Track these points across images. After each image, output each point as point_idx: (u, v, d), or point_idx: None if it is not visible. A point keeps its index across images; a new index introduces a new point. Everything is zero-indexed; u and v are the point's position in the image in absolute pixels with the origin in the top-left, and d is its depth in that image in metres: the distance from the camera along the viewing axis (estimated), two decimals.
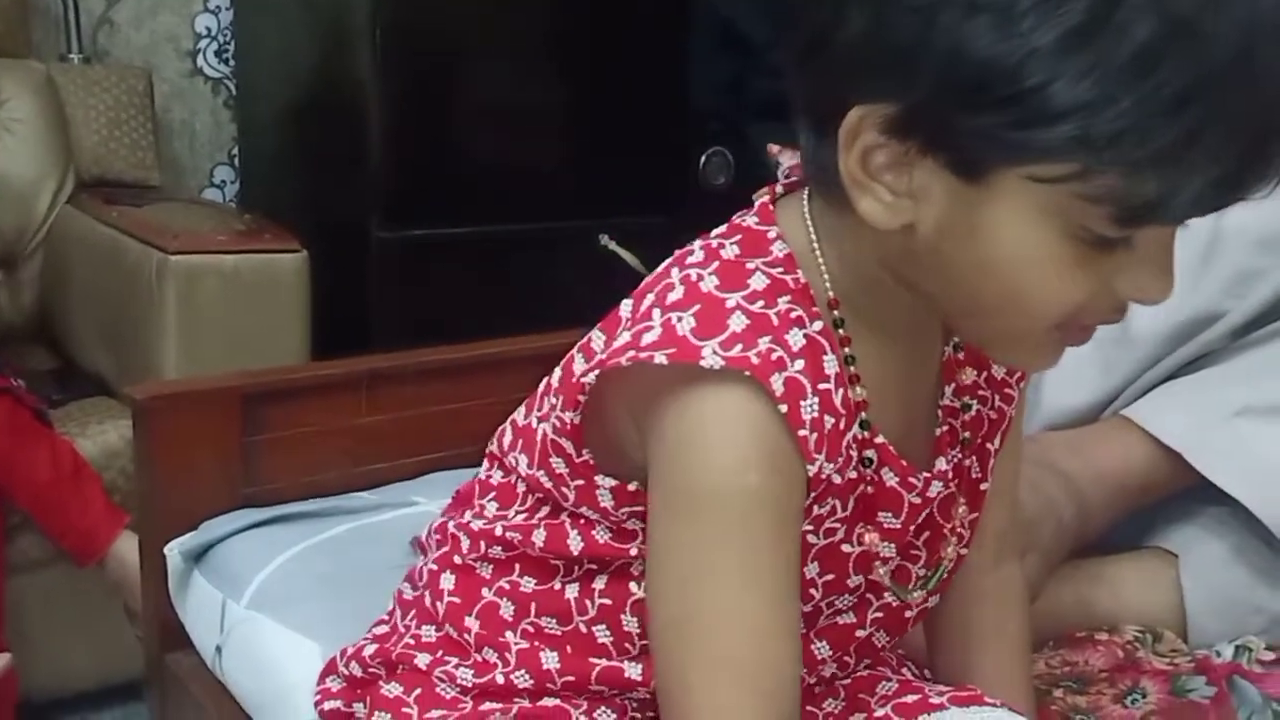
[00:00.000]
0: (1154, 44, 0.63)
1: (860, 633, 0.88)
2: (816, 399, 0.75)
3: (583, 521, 0.85)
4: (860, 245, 0.78)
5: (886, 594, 0.87)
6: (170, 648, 1.29)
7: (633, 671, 0.86)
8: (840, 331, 0.79)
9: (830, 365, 0.76)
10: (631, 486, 0.82)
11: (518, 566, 0.90)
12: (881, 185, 0.72)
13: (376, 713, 0.93)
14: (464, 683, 0.90)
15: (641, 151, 2.48)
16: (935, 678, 0.99)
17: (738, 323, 0.74)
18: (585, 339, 0.84)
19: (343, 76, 2.38)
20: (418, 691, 0.92)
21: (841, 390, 0.77)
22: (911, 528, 0.85)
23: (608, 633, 0.86)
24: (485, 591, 0.91)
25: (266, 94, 2.69)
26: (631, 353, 0.75)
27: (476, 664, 0.90)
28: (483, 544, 0.91)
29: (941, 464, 0.86)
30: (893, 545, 0.85)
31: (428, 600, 0.95)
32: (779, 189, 0.83)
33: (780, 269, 0.78)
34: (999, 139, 0.67)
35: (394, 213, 2.30)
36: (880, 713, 0.90)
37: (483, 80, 2.34)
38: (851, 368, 0.79)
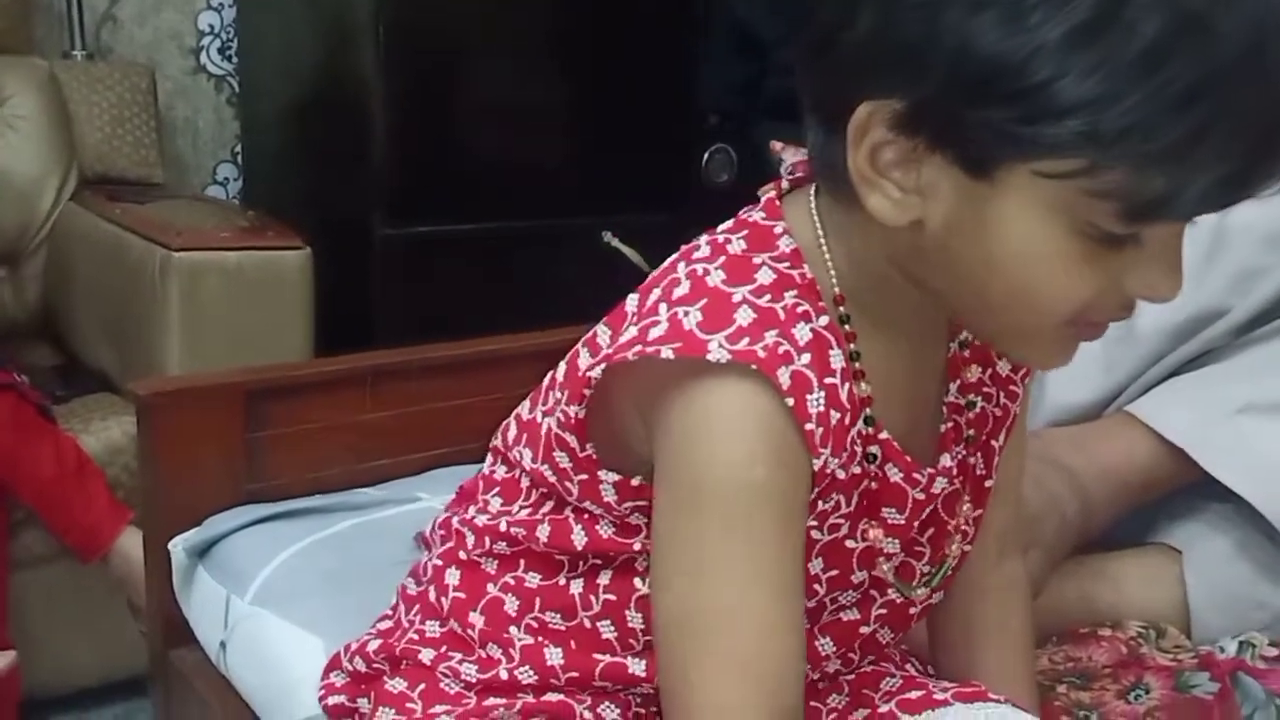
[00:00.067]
0: (1162, 40, 0.63)
1: (864, 629, 0.89)
2: (823, 393, 0.75)
3: (586, 517, 0.86)
4: (868, 242, 0.78)
5: (890, 590, 0.87)
6: (174, 644, 1.29)
7: (636, 667, 0.87)
8: (846, 327, 0.79)
9: (836, 360, 0.76)
10: (635, 481, 0.82)
11: (522, 562, 0.90)
12: (890, 182, 0.72)
13: (380, 708, 0.94)
14: (468, 678, 0.90)
15: (644, 149, 2.48)
16: (938, 674, 0.99)
17: (744, 317, 0.74)
18: (590, 334, 0.84)
19: (346, 73, 2.38)
20: (422, 687, 0.92)
21: (847, 385, 0.77)
22: (915, 524, 0.85)
23: (612, 628, 0.86)
24: (490, 587, 0.91)
25: (270, 91, 2.69)
26: (638, 347, 0.75)
27: (480, 659, 0.91)
28: (487, 539, 0.91)
29: (946, 460, 0.86)
30: (896, 541, 0.85)
31: (432, 596, 0.95)
32: (785, 185, 0.83)
33: (787, 264, 0.78)
34: (1007, 134, 0.67)
35: (397, 209, 2.30)
36: (884, 708, 0.90)
37: (486, 77, 2.34)
38: (856, 364, 0.79)
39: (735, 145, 2.60)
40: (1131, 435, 1.21)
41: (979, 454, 0.90)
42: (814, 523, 0.80)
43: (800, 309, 0.76)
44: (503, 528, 0.90)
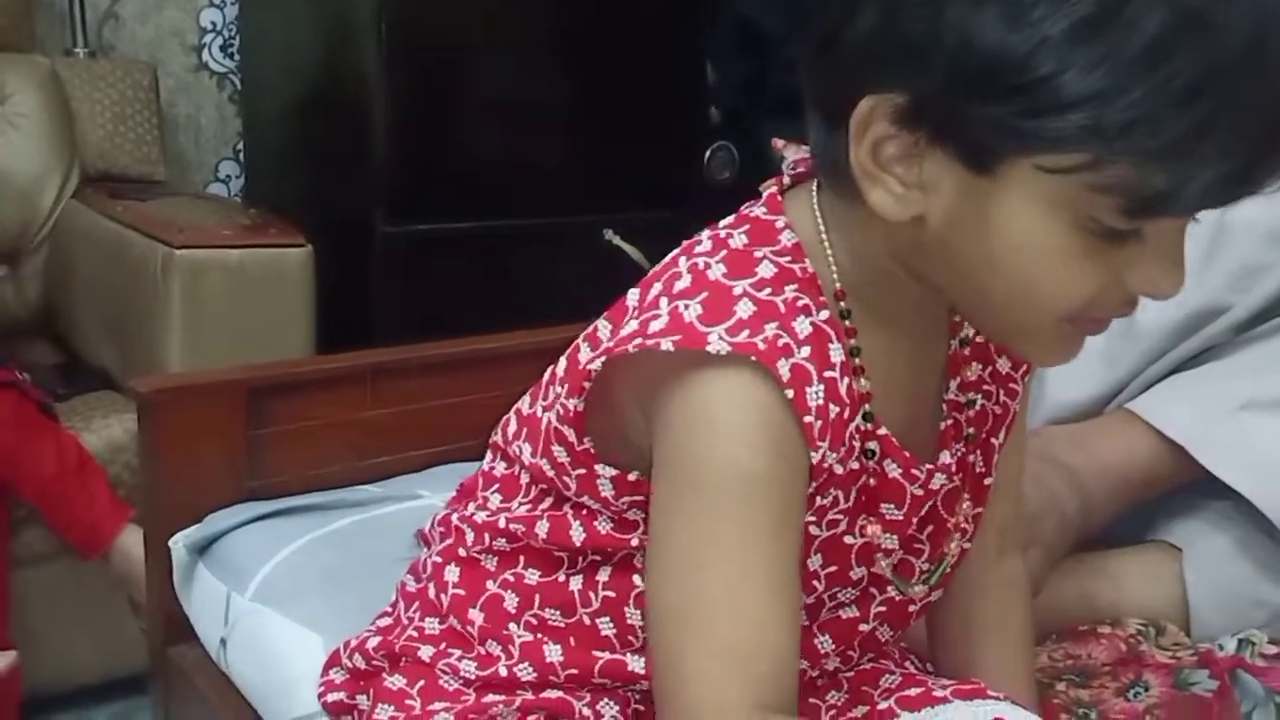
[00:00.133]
0: (1165, 35, 0.64)
1: (863, 626, 0.89)
2: (822, 386, 0.75)
3: (585, 512, 0.86)
4: (870, 237, 0.78)
5: (889, 588, 0.87)
6: (174, 641, 1.29)
7: (635, 664, 0.87)
8: (846, 323, 0.79)
9: (836, 354, 0.76)
10: (632, 476, 0.82)
11: (522, 559, 0.90)
12: (892, 176, 0.72)
13: (379, 705, 0.94)
14: (467, 675, 0.90)
15: (646, 146, 2.48)
16: (938, 671, 0.99)
17: (744, 309, 0.74)
18: (591, 328, 0.84)
19: (348, 71, 2.39)
20: (421, 684, 0.92)
21: (846, 379, 0.77)
22: (914, 520, 0.85)
23: (611, 625, 0.86)
24: (489, 584, 0.91)
25: (272, 89, 2.69)
26: (639, 340, 0.75)
27: (480, 656, 0.91)
28: (486, 536, 0.91)
29: (945, 457, 0.86)
30: (895, 537, 0.85)
31: (431, 592, 0.95)
32: (786, 180, 0.83)
33: (788, 258, 0.78)
34: (1009, 128, 0.67)
35: (398, 207, 2.30)
36: (883, 705, 0.90)
37: (487, 75, 2.34)
38: (856, 359, 0.79)
39: (737, 143, 2.59)
40: (1131, 432, 1.21)
41: (979, 452, 0.90)
42: (812, 518, 0.80)
43: (800, 303, 0.76)
44: (502, 524, 0.90)
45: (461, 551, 0.93)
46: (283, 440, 1.34)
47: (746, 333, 0.73)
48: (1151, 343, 1.24)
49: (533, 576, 0.89)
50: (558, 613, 0.88)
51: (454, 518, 0.96)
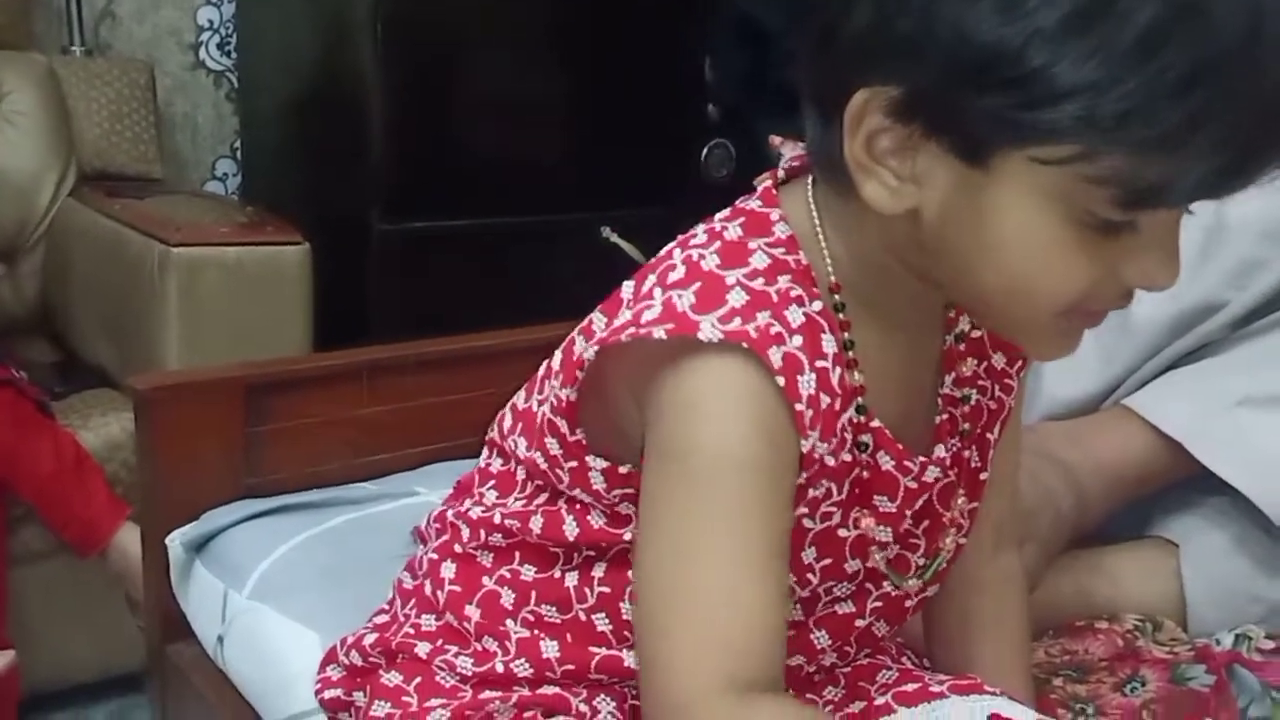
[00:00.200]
0: (1159, 25, 0.64)
1: (860, 622, 0.89)
2: (814, 375, 0.75)
3: (578, 507, 0.86)
4: (865, 231, 0.78)
5: (885, 583, 0.87)
6: (172, 638, 1.29)
7: (631, 660, 0.86)
8: (841, 316, 0.79)
9: (828, 345, 0.76)
10: (623, 469, 0.82)
11: (518, 554, 0.90)
12: (886, 169, 0.72)
13: (376, 701, 0.94)
14: (464, 671, 0.90)
15: (643, 143, 2.48)
16: (934, 667, 0.99)
17: (737, 298, 0.74)
18: (586, 321, 0.84)
19: (344, 69, 2.38)
20: (417, 680, 0.92)
21: (839, 370, 0.77)
22: (908, 513, 0.85)
23: (607, 621, 0.86)
24: (486, 580, 0.91)
25: (268, 87, 2.69)
26: (632, 329, 0.75)
27: (476, 653, 0.91)
28: (482, 532, 0.91)
29: (940, 451, 0.86)
30: (889, 530, 0.85)
31: (428, 589, 0.95)
32: (781, 174, 0.83)
33: (782, 250, 0.78)
34: (1003, 120, 0.67)
35: (395, 205, 2.30)
36: (880, 701, 0.90)
37: (484, 73, 2.34)
38: (850, 352, 0.79)
39: (735, 140, 2.59)
40: (1128, 429, 1.21)
41: (974, 447, 0.90)
42: (805, 510, 0.80)
43: (794, 293, 0.76)
44: (497, 520, 0.90)
45: (457, 548, 0.93)
46: (280, 438, 1.34)
47: (738, 321, 0.73)
48: (1148, 339, 1.24)
49: (529, 573, 0.89)
50: (554, 609, 0.88)
51: (449, 514, 0.96)
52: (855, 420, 0.80)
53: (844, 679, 0.92)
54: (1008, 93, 0.66)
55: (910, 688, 0.90)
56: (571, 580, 0.87)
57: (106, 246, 2.17)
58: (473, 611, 0.91)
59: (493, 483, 0.93)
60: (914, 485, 0.84)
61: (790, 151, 0.86)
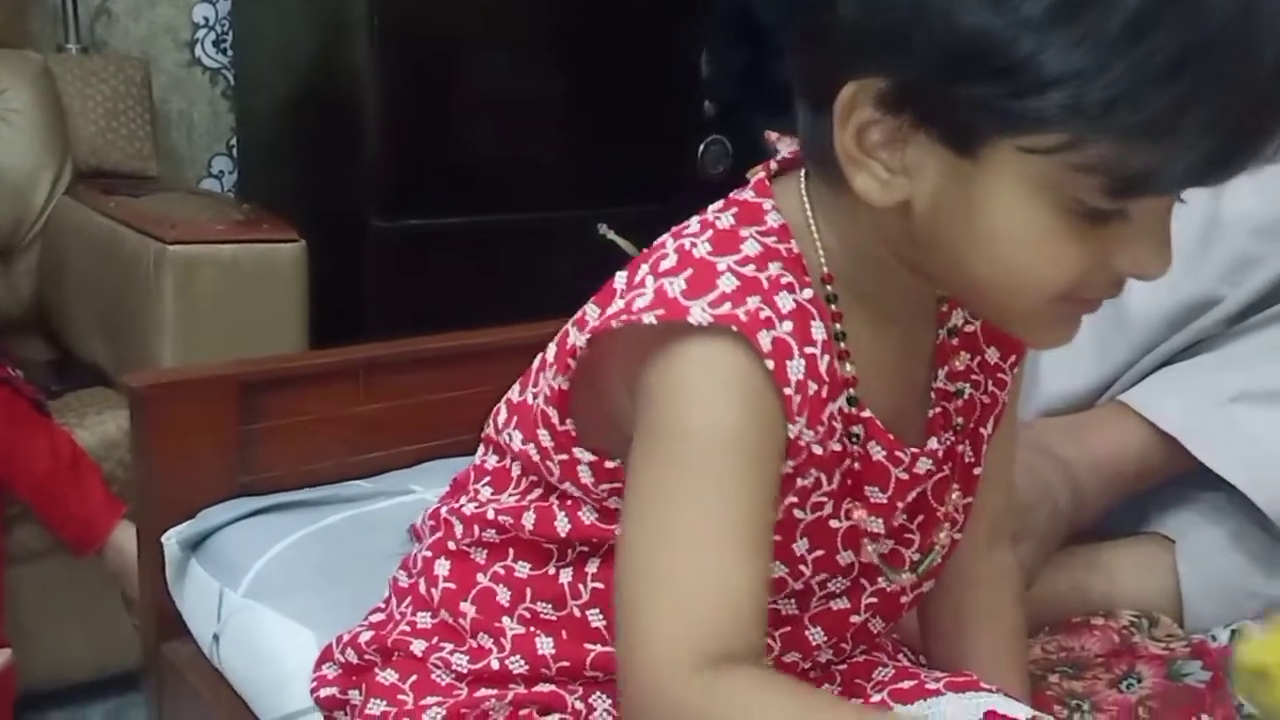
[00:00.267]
0: (1146, 11, 0.63)
1: (855, 618, 0.88)
2: (802, 361, 0.75)
3: (569, 502, 0.86)
4: (857, 224, 0.78)
5: (880, 579, 0.87)
6: (168, 637, 1.29)
7: None
8: (833, 307, 0.79)
9: (818, 332, 0.76)
10: (609, 464, 0.82)
11: (511, 551, 0.90)
12: (876, 162, 0.72)
13: (371, 700, 0.94)
14: (459, 669, 0.90)
15: (640, 141, 2.48)
16: (931, 664, 0.99)
17: (727, 283, 0.74)
18: (579, 313, 0.84)
19: (340, 67, 2.38)
20: (413, 678, 0.92)
21: (828, 358, 0.77)
22: (899, 504, 0.85)
23: (601, 617, 0.86)
24: (480, 577, 0.91)
25: (264, 84, 2.68)
26: (624, 316, 0.75)
27: (472, 649, 0.90)
28: (476, 528, 0.91)
29: (933, 444, 0.86)
30: (880, 521, 0.84)
31: (422, 587, 0.95)
32: (774, 166, 0.83)
33: (774, 238, 0.78)
34: (991, 109, 0.67)
35: (391, 202, 2.30)
36: (876, 698, 0.90)
37: (480, 70, 2.34)
38: (842, 344, 0.79)
39: (731, 136, 2.59)
40: (1124, 424, 1.21)
41: (967, 442, 0.89)
42: (795, 500, 0.80)
43: (784, 280, 0.76)
44: (490, 516, 0.90)
45: (451, 545, 0.93)
46: (275, 435, 1.33)
47: (728, 305, 0.73)
48: (1144, 335, 1.24)
49: (523, 569, 0.89)
50: (549, 606, 0.88)
51: (443, 511, 0.96)
52: (846, 411, 0.79)
53: (840, 676, 0.92)
54: (995, 82, 0.66)
55: (906, 685, 0.90)
56: (565, 577, 0.87)
57: (102, 244, 2.17)
58: (468, 608, 0.91)
59: (488, 479, 0.93)
60: (905, 476, 0.84)
61: (787, 148, 0.86)
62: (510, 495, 0.90)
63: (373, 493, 1.34)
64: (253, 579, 1.19)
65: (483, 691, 0.90)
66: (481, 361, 1.43)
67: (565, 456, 0.84)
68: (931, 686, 0.89)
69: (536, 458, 0.86)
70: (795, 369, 0.74)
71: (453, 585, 0.92)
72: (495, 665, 0.89)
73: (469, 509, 0.92)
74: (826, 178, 0.77)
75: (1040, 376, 1.27)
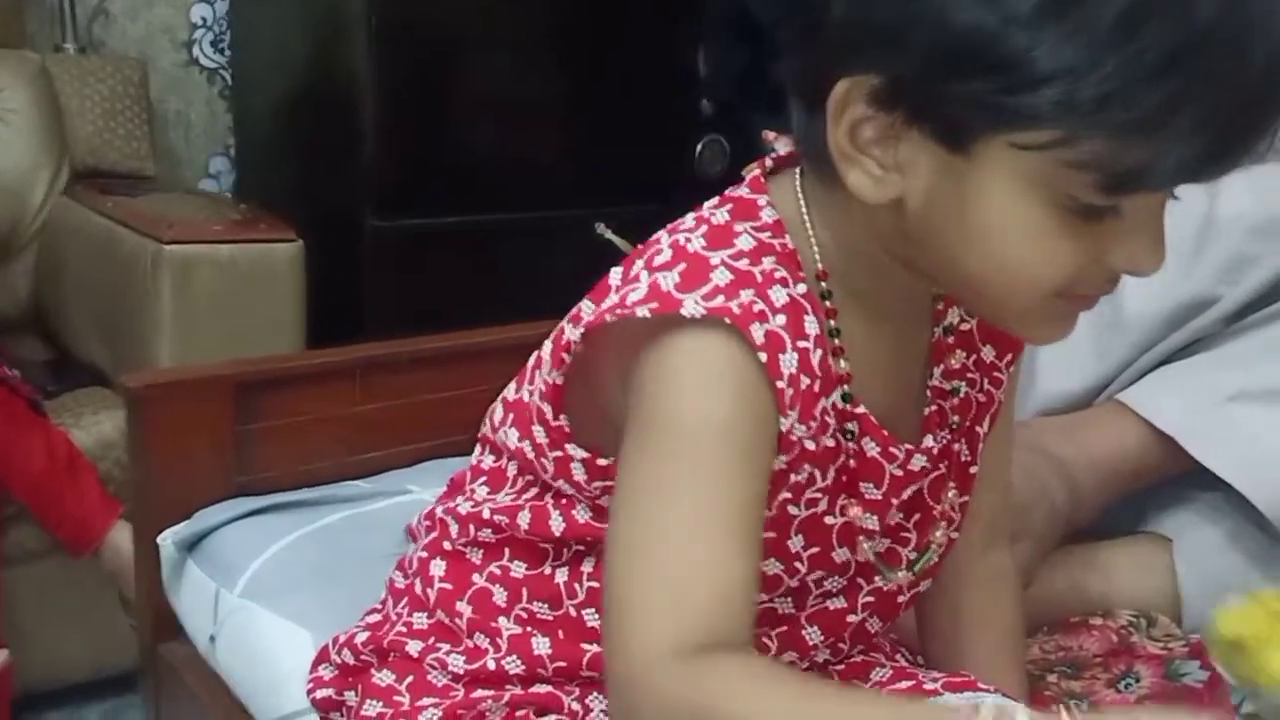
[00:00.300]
0: (1137, 8, 0.63)
1: (852, 618, 0.88)
2: (795, 355, 0.75)
3: (564, 501, 0.86)
4: (852, 221, 0.78)
5: (877, 578, 0.87)
6: (164, 637, 1.29)
7: None
8: (827, 303, 0.79)
9: (811, 327, 0.76)
10: (602, 461, 0.82)
11: (507, 550, 0.90)
12: (870, 158, 0.72)
13: (368, 700, 0.93)
14: (455, 669, 0.90)
15: (637, 140, 2.48)
16: (928, 664, 0.99)
17: (721, 277, 0.74)
18: (575, 310, 0.84)
19: (338, 67, 2.38)
20: (409, 679, 0.92)
21: (821, 352, 0.77)
22: (894, 501, 0.85)
23: (597, 617, 0.86)
24: (476, 577, 0.91)
25: (262, 84, 2.68)
26: (618, 310, 0.75)
27: (468, 650, 0.90)
28: (471, 528, 0.91)
29: (929, 441, 0.86)
30: (875, 517, 0.84)
31: (418, 587, 0.95)
32: (769, 163, 0.83)
33: (768, 234, 0.78)
34: (983, 106, 0.67)
35: (388, 202, 2.29)
36: None
37: (478, 70, 2.34)
38: (836, 340, 0.79)
39: (729, 136, 2.59)
40: (1122, 424, 1.21)
41: (963, 440, 0.89)
42: (789, 495, 0.80)
43: (778, 274, 0.76)
44: (485, 515, 0.90)
45: (446, 545, 0.93)
46: (272, 435, 1.33)
47: (722, 298, 0.73)
48: (1141, 334, 1.24)
49: (519, 569, 0.89)
50: (545, 606, 0.88)
51: (439, 511, 0.96)
52: (840, 407, 0.79)
53: (837, 676, 0.92)
54: (987, 78, 0.66)
55: (904, 685, 0.90)
56: (561, 576, 0.87)
57: (99, 244, 2.17)
58: (464, 608, 0.91)
59: (484, 479, 0.93)
60: (900, 473, 0.84)
61: (784, 147, 0.86)
62: (506, 495, 0.90)
63: (370, 493, 1.33)
64: (249, 579, 1.19)
65: (479, 692, 0.89)
66: (479, 361, 1.43)
67: (559, 453, 0.84)
68: (929, 686, 0.89)
69: (531, 455, 0.86)
70: (788, 363, 0.74)
71: (449, 585, 0.92)
72: (491, 666, 0.89)
73: (464, 508, 0.92)
74: (821, 174, 0.77)
75: (1037, 376, 1.27)
